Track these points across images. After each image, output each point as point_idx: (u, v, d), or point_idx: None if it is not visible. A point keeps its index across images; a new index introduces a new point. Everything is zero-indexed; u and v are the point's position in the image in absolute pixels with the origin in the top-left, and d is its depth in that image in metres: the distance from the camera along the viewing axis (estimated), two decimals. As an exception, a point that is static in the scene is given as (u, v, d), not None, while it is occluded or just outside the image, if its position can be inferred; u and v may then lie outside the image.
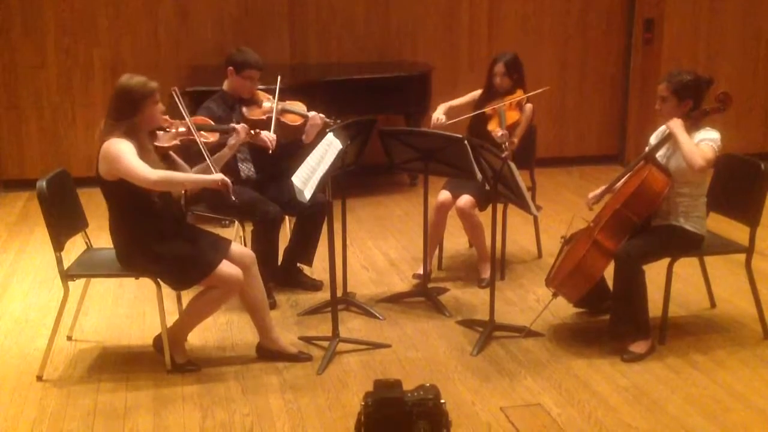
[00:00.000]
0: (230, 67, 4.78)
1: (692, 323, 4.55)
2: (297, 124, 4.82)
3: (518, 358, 4.14)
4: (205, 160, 3.96)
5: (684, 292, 4.85)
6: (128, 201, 3.80)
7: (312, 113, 4.82)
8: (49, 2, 7.09)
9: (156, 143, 3.90)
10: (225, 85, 4.84)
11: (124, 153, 3.68)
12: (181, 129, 4.02)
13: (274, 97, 4.78)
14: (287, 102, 4.89)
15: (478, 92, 5.26)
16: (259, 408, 3.68)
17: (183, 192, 4.18)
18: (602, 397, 3.76)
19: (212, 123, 4.37)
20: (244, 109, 4.79)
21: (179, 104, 4.05)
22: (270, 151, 4.46)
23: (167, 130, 3.98)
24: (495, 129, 4.91)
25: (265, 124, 4.63)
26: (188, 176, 3.91)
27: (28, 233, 6.12)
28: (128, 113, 3.77)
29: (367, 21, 7.70)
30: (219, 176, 3.82)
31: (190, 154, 4.07)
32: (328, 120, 4.79)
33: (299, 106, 4.89)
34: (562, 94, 8.14)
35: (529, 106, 5.15)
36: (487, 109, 5.08)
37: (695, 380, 3.92)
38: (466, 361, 4.11)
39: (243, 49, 4.89)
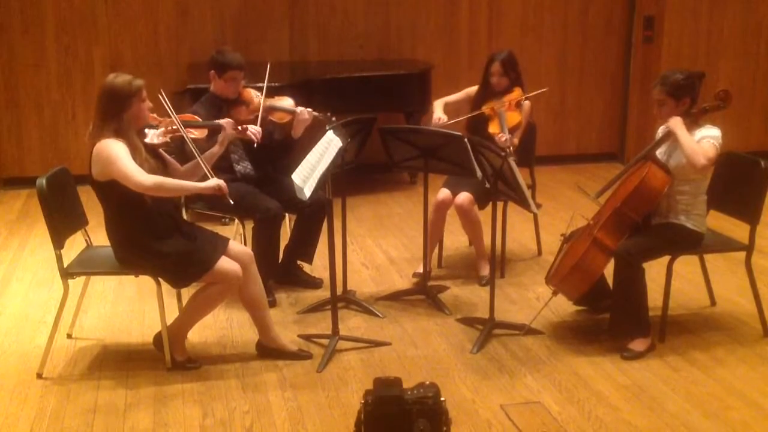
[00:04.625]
0: (212, 71, 4.74)
1: (692, 321, 4.55)
2: (285, 121, 4.79)
3: (518, 356, 4.14)
4: (196, 157, 3.96)
5: (684, 290, 4.85)
6: (121, 201, 3.79)
7: (299, 108, 4.77)
8: (49, 0, 7.09)
9: (146, 141, 3.88)
10: (212, 87, 4.80)
11: (118, 155, 3.66)
12: (170, 126, 4.00)
13: (261, 94, 4.73)
14: (275, 98, 4.84)
15: (473, 88, 5.22)
16: (258, 405, 3.68)
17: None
18: (602, 395, 3.76)
19: (198, 119, 4.35)
20: (232, 111, 4.72)
21: (165, 103, 4.03)
22: (255, 144, 4.43)
23: (156, 127, 3.96)
24: (497, 133, 4.87)
25: (253, 123, 4.62)
26: (182, 183, 3.84)
27: (27, 231, 6.12)
28: (115, 112, 3.75)
29: (366, 19, 7.70)
30: (214, 182, 3.79)
31: (185, 153, 4.07)
32: (316, 114, 4.73)
33: (287, 102, 4.84)
34: (562, 92, 8.14)
35: (527, 104, 5.13)
36: (486, 110, 5.05)
37: (695, 378, 3.92)
38: (466, 359, 4.11)
39: (223, 50, 4.84)
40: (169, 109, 4.03)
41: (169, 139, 3.98)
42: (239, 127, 4.30)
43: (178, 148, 4.20)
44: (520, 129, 5.07)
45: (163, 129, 3.97)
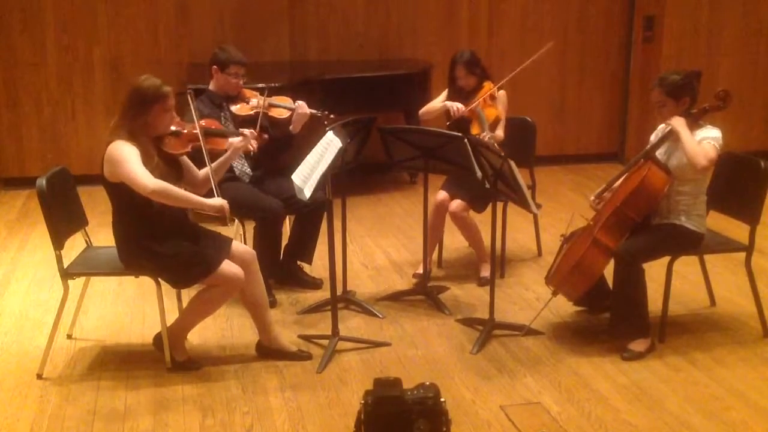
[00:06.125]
0: (214, 66, 4.80)
1: (692, 321, 4.55)
2: (284, 117, 4.85)
3: (518, 356, 4.14)
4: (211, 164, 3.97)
5: (684, 291, 4.85)
6: (129, 202, 3.79)
7: (298, 103, 4.84)
8: None
9: (168, 150, 3.88)
10: (211, 85, 4.85)
11: (127, 157, 3.67)
12: (193, 134, 3.98)
13: (262, 94, 4.79)
14: (274, 97, 4.89)
15: (446, 91, 5.19)
16: (258, 406, 3.68)
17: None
18: (602, 396, 3.76)
19: (222, 128, 4.35)
20: (232, 107, 4.79)
21: (192, 108, 4.07)
22: (252, 153, 4.46)
23: (179, 133, 3.94)
24: (479, 134, 4.83)
25: (253, 120, 4.64)
26: (187, 195, 3.80)
27: (28, 231, 6.12)
28: (135, 114, 3.76)
29: (366, 18, 7.70)
30: (218, 203, 3.78)
31: (198, 156, 4.07)
32: (313, 111, 4.80)
33: (286, 101, 4.90)
34: (562, 92, 8.14)
35: (501, 93, 5.11)
36: (465, 112, 4.98)
37: (695, 378, 3.92)
38: (466, 360, 4.11)
39: (225, 47, 4.91)
40: (195, 116, 4.02)
41: (190, 149, 3.97)
42: (263, 137, 4.36)
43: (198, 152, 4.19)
44: (502, 121, 5.05)
45: (186, 138, 3.94)
